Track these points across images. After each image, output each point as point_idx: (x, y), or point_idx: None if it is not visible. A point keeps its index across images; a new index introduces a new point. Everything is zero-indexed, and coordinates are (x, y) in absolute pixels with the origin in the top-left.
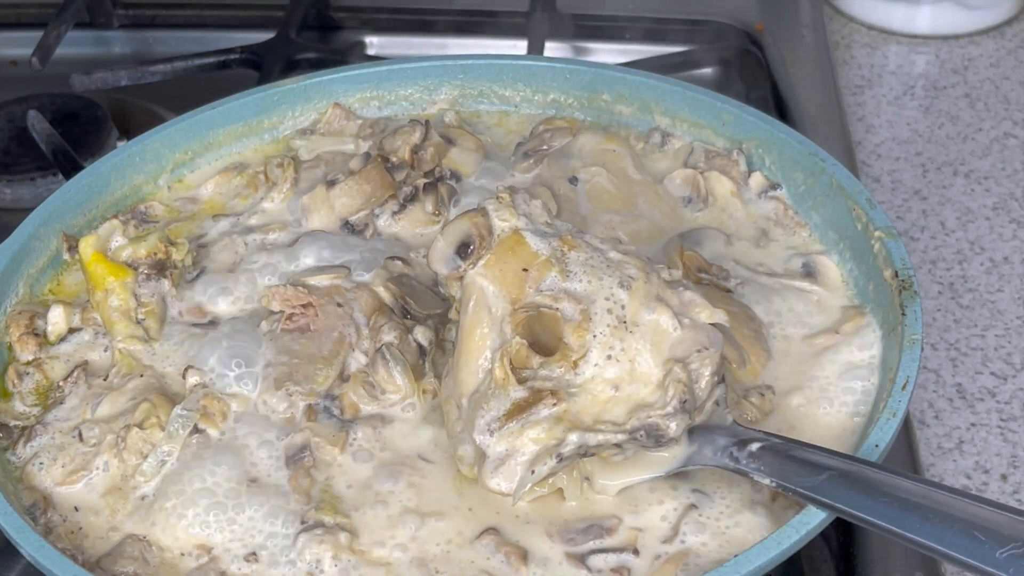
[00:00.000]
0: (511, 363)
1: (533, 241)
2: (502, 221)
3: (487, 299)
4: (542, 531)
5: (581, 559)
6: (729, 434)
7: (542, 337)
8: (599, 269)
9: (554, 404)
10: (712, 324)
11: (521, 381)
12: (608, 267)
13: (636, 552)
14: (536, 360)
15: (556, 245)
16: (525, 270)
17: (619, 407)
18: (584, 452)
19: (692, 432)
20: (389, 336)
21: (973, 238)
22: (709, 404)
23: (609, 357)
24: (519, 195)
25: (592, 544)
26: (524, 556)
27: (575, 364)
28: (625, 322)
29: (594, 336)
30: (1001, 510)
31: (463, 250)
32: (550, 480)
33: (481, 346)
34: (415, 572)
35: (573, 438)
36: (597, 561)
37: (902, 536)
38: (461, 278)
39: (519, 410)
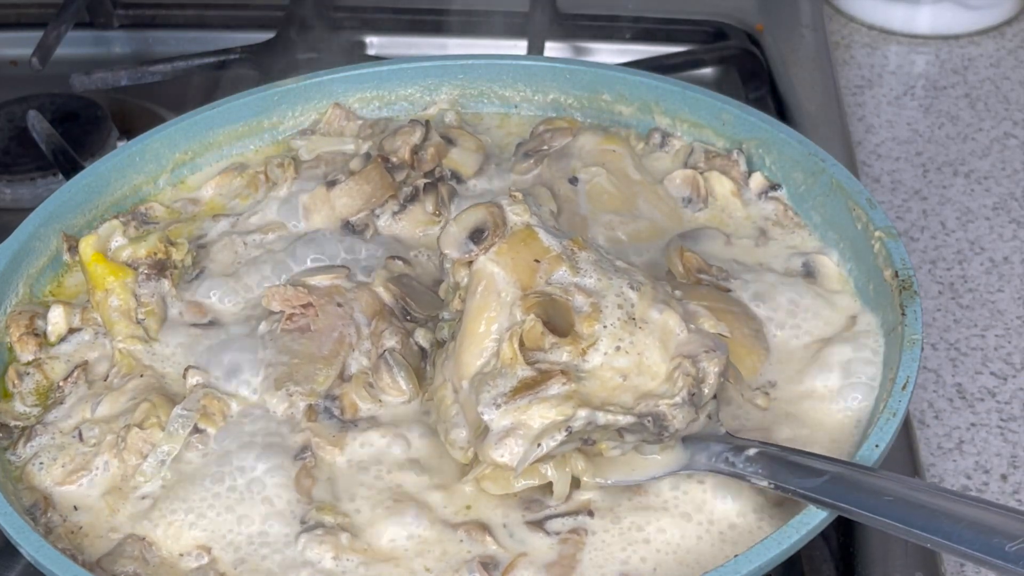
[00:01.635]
0: (520, 343)
1: (545, 237)
2: (516, 216)
3: (497, 284)
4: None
5: (539, 524)
6: (723, 442)
7: (554, 321)
8: (608, 271)
9: (564, 383)
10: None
11: (529, 363)
12: (616, 271)
13: (591, 513)
14: (548, 340)
15: (567, 244)
16: (537, 261)
17: (627, 395)
18: (587, 436)
19: (685, 440)
20: (391, 341)
21: (973, 238)
22: (703, 417)
23: (618, 348)
24: (530, 199)
25: (548, 511)
26: (484, 527)
27: (584, 351)
28: (635, 318)
29: (604, 326)
30: (1004, 511)
31: (476, 236)
32: (542, 470)
33: (487, 329)
34: (414, 571)
35: (583, 414)
36: (555, 525)
37: (908, 532)
38: (470, 263)
39: (527, 387)
